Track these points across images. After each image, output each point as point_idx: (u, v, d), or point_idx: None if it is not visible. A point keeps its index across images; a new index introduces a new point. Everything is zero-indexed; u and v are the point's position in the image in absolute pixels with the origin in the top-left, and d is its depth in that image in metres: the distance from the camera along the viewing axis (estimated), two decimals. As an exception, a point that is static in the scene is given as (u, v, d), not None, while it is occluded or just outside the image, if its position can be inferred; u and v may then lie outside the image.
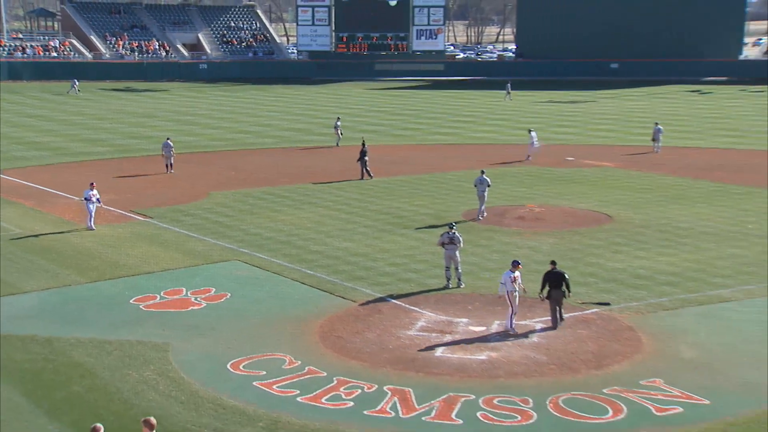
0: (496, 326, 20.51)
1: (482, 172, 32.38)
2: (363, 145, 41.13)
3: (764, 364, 18.22)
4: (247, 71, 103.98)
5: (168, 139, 43.13)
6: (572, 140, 54.26)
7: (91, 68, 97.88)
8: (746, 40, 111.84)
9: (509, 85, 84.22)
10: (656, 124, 50.41)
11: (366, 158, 40.49)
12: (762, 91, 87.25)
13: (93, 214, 29.86)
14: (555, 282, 20.34)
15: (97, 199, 29.99)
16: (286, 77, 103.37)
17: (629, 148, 50.69)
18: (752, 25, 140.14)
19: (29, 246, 28.01)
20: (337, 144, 51.22)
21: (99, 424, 11.91)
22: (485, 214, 31.96)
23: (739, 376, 17.70)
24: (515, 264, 20.38)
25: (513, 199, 35.18)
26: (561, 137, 55.56)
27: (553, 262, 20.82)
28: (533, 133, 46.72)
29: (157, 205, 34.26)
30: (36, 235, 29.37)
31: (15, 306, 22.14)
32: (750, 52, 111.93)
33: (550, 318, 20.52)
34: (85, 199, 30.05)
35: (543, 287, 20.43)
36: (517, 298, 20.10)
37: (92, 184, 30.47)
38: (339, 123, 52.62)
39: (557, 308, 20.49)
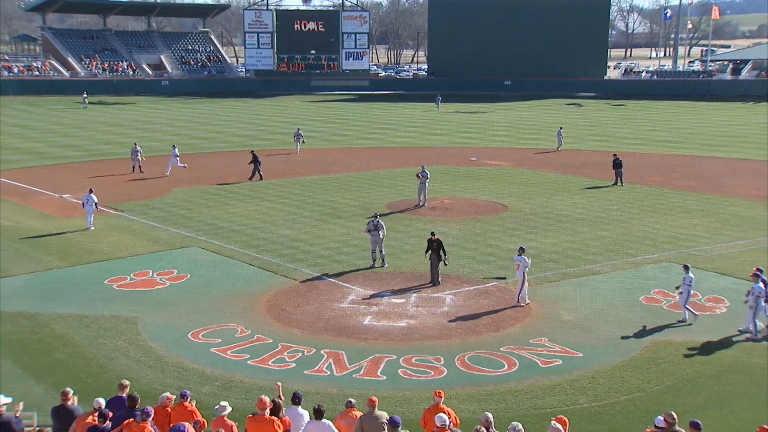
0: (413, 298, 20.66)
1: (423, 167, 32.74)
2: (253, 153, 39.74)
3: (626, 324, 18.81)
4: (202, 87, 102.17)
5: (135, 144, 42.08)
6: (475, 143, 54.78)
7: (69, 85, 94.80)
8: (609, 63, 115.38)
9: (439, 98, 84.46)
10: (560, 128, 52.37)
11: (259, 163, 39.07)
12: (622, 105, 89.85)
13: (92, 216, 27.98)
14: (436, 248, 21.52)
15: (95, 204, 28.11)
16: (235, 92, 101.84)
17: (520, 150, 51.48)
18: (613, 52, 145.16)
19: (16, 236, 27.09)
20: (297, 150, 49.11)
21: (68, 388, 11.64)
22: (425, 203, 32.46)
23: (606, 334, 18.23)
24: (521, 250, 20.28)
25: (427, 193, 35.38)
26: (465, 141, 56.05)
27: (432, 233, 22.08)
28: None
29: (126, 200, 33.46)
30: (22, 227, 28.40)
31: (5, 287, 21.42)
32: (612, 73, 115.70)
33: (452, 288, 20.76)
34: (84, 203, 27.99)
35: (427, 251, 21.72)
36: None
37: (91, 190, 28.64)
38: (300, 132, 50.52)
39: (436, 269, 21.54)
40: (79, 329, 18.21)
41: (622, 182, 37.87)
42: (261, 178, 38.89)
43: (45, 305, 19.88)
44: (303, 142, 49.90)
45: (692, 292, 19.17)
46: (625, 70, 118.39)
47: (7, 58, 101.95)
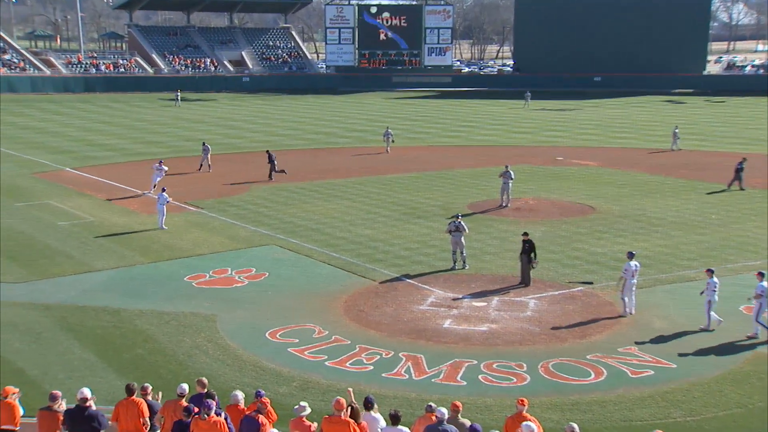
0: (495, 302, 20.47)
1: (506, 167, 32.45)
2: (268, 153, 39.76)
3: (725, 334, 18.11)
4: (283, 83, 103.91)
5: (204, 143, 42.78)
6: (561, 142, 53.87)
7: (152, 81, 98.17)
8: (709, 57, 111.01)
9: (528, 93, 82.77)
10: (676, 127, 51.55)
11: (274, 163, 38.97)
12: (722, 101, 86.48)
13: (164, 217, 28.56)
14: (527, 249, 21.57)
15: (167, 202, 28.53)
16: (316, 88, 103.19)
17: (609, 150, 50.33)
18: (714, 45, 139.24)
19: (100, 231, 28.20)
20: (386, 150, 48.55)
21: (147, 384, 12.08)
22: (509, 204, 32.24)
23: (703, 344, 17.61)
24: (630, 255, 19.70)
25: (511, 193, 35.00)
26: (551, 140, 55.21)
27: (525, 233, 22.01)
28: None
29: (206, 198, 34.36)
30: (106, 222, 29.57)
31: (88, 282, 22.36)
32: (712, 68, 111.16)
33: (542, 294, 20.50)
34: (159, 203, 28.64)
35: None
36: (625, 284, 19.21)
37: (164, 189, 29.47)
38: (390, 131, 49.75)
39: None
40: (159, 326, 18.81)
41: (742, 187, 35.98)
42: (270, 178, 38.64)
43: (127, 301, 20.62)
44: (393, 141, 49.10)
45: (716, 298, 18.66)
46: (727, 65, 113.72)
47: (95, 55, 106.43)
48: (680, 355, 16.97)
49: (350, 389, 12.15)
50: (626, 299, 19.42)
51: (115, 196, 35.00)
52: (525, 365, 16.40)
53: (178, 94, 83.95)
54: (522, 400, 11.46)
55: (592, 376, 15.97)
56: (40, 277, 22.83)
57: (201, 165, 41.46)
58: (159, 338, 18.00)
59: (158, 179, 33.87)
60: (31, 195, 35.06)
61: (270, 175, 38.91)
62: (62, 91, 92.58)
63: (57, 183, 38.24)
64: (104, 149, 50.26)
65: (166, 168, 33.81)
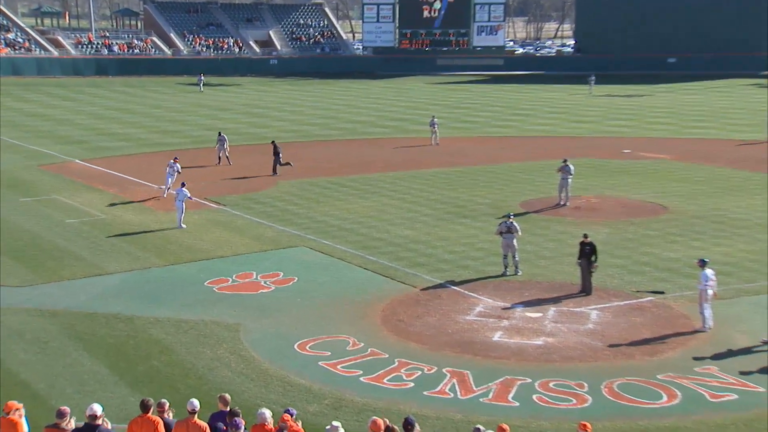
0: (552, 313, 20.33)
1: (565, 161, 32.23)
2: (274, 144, 39.82)
3: (818, 354, 17.73)
4: (314, 66, 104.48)
5: (220, 132, 43.08)
6: (628, 133, 53.32)
7: (170, 64, 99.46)
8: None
9: (593, 78, 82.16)
10: None
11: (279, 155, 39.10)
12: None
13: (183, 214, 28.77)
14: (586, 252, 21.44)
15: (187, 198, 28.75)
16: (351, 72, 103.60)
17: (686, 141, 49.64)
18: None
19: (112, 230, 28.63)
20: (434, 142, 48.26)
21: (164, 400, 12.18)
22: (567, 202, 32.13)
23: (793, 365, 17.25)
24: (702, 263, 19.45)
25: (570, 190, 34.72)
26: (617, 130, 54.65)
27: (585, 235, 21.95)
28: None
29: (229, 193, 34.71)
30: (118, 220, 30.03)
31: (99, 286, 22.71)
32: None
33: (603, 305, 20.31)
34: (176, 198, 29.04)
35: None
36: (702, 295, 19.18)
37: (183, 183, 29.70)
38: (436, 120, 49.42)
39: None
40: (177, 335, 19.03)
41: None
42: (274, 172, 38.84)
43: (142, 307, 20.89)
44: (437, 132, 48.66)
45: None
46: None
47: (107, 35, 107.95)
48: None
49: (385, 420, 11.68)
50: (705, 313, 19.14)
51: (128, 191, 35.52)
52: (586, 385, 16.24)
53: (202, 78, 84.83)
54: (584, 425, 11.37)
55: (665, 398, 15.75)
56: (46, 280, 23.25)
57: (219, 158, 41.81)
58: (176, 349, 18.21)
59: (171, 180, 33.84)
60: (37, 189, 35.76)
61: (274, 169, 39.15)
62: (71, 75, 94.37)
63: (65, 176, 38.97)
64: (117, 139, 51.05)
65: (179, 167, 33.63)
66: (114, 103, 72.30)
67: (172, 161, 34.24)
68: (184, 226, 28.75)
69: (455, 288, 22.31)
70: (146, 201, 33.35)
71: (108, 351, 18.11)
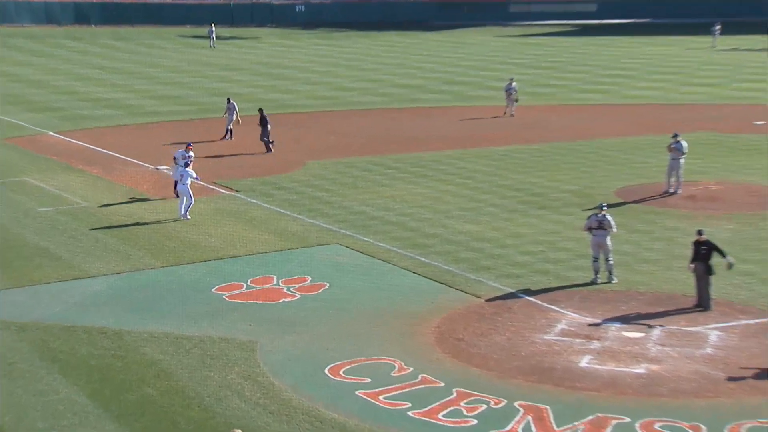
0: (657, 332, 20.18)
1: (675, 136, 31.94)
2: (261, 113, 39.78)
3: None
4: (351, 14, 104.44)
5: (229, 99, 42.88)
6: (761, 99, 52.26)
7: (169, 11, 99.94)
8: None
9: (717, 27, 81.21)
10: None
11: (267, 128, 39.29)
12: None
13: (190, 200, 28.91)
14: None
15: (192, 180, 29.06)
16: (399, 22, 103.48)
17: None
18: None
19: (96, 222, 28.96)
20: (509, 112, 48.02)
21: None
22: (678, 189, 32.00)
23: None
24: None
25: (682, 174, 34.37)
26: (748, 95, 53.72)
27: (699, 232, 21.65)
28: None
29: (244, 177, 34.91)
30: (104, 209, 30.35)
31: (80, 292, 22.96)
32: None
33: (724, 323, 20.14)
34: (177, 181, 29.32)
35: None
36: None
37: (187, 162, 29.82)
38: (514, 84, 48.82)
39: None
40: (176, 355, 19.18)
41: None
42: (268, 149, 39.12)
43: (133, 320, 21.06)
44: (516, 99, 48.32)
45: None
46: None
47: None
48: None
49: None
50: None
51: (116, 172, 35.90)
52: (703, 428, 16.05)
53: (213, 30, 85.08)
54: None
55: (804, 447, 15.57)
56: (13, 285, 23.50)
57: (227, 131, 41.98)
58: (176, 373, 18.38)
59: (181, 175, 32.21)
60: (2, 170, 36.13)
61: (268, 145, 39.37)
62: (44, 23, 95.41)
63: (37, 153, 39.52)
64: (102, 106, 51.58)
65: (192, 155, 31.55)
66: (99, 60, 73.10)
67: (183, 150, 31.77)
68: (188, 217, 28.97)
69: (530, 299, 22.22)
70: (135, 175, 33.65)
71: (90, 375, 18.29)
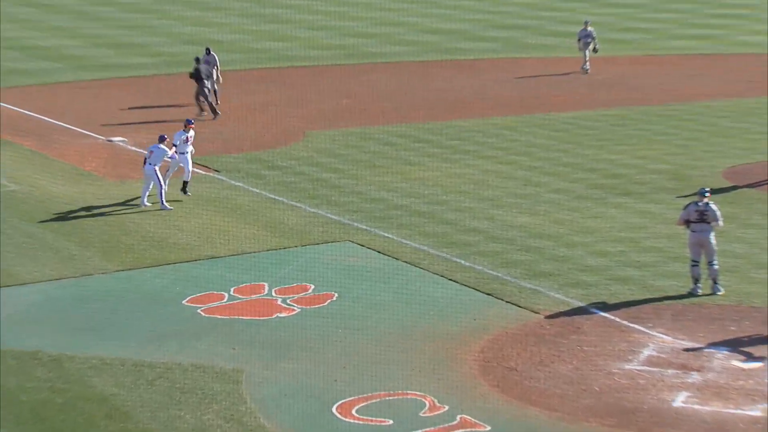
0: (777, 361, 20.13)
1: None
2: (197, 63, 40.34)
3: None
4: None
5: (209, 50, 42.17)
6: None
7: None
8: None
9: None
10: None
11: (206, 89, 39.72)
12: None
13: (152, 184, 29.11)
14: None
15: (162, 159, 29.36)
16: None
17: None
18: None
19: (30, 211, 29.10)
20: (584, 67, 48.53)
21: None
22: None
23: None
24: None
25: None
26: None
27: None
28: None
29: (226, 152, 35.02)
30: (40, 194, 30.49)
31: (10, 304, 22.98)
32: None
33: None
34: (146, 159, 29.35)
35: None
36: None
37: (162, 137, 29.86)
38: (591, 29, 48.86)
39: None
40: (135, 389, 19.18)
41: None
42: (214, 112, 39.81)
43: (78, 341, 21.13)
44: (596, 49, 48.52)
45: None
46: None
47: None
48: None
49: None
50: None
51: (56, 145, 36.02)
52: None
53: None
54: None
55: None
56: None
57: (207, 102, 41.24)
58: (134, 413, 18.39)
59: (170, 170, 30.93)
60: None
61: (213, 108, 39.89)
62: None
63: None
64: (37, 57, 51.72)
65: (192, 134, 30.93)
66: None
67: (182, 130, 31.09)
68: (168, 207, 29.17)
69: (606, 315, 22.22)
70: (82, 149, 33.73)
71: (20, 416, 18.33)
